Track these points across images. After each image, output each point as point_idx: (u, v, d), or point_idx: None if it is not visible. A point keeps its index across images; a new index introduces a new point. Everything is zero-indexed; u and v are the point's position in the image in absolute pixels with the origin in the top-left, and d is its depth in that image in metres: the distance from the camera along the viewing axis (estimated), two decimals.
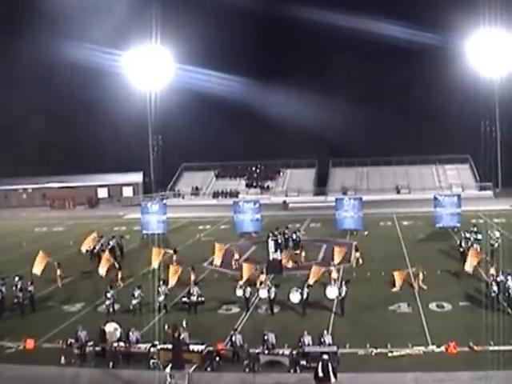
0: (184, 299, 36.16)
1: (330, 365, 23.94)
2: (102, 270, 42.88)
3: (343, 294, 34.16)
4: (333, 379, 23.74)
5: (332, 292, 34.78)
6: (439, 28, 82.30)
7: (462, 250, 44.99)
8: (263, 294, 35.45)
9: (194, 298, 35.60)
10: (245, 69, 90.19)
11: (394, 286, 37.42)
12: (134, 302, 35.34)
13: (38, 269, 43.59)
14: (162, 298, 35.61)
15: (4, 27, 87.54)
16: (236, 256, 46.86)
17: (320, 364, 24.06)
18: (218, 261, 45.82)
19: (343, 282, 35.23)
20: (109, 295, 35.78)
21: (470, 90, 79.64)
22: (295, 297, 34.47)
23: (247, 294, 35.77)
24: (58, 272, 43.18)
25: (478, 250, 42.04)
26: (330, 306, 34.76)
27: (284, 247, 49.59)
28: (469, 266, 39.43)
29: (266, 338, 27.92)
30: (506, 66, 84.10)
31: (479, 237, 46.66)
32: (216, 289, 39.82)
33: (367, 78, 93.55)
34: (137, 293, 35.62)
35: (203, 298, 35.89)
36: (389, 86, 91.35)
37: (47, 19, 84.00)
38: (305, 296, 34.26)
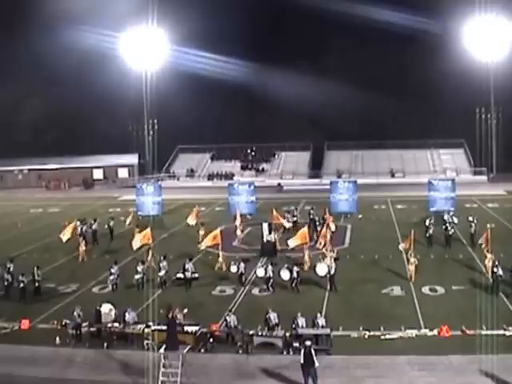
0: (179, 275, 37.21)
1: (312, 350, 23.96)
2: (136, 243, 41.82)
3: (333, 271, 35.21)
4: (316, 363, 23.79)
5: (322, 269, 35.88)
6: (436, 13, 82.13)
7: (450, 233, 45.88)
8: (260, 272, 36.68)
9: (188, 274, 36.60)
10: (241, 51, 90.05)
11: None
12: (137, 276, 36.50)
13: (65, 236, 45.17)
14: (162, 272, 36.83)
15: None
16: (239, 232, 48.73)
17: (303, 351, 24.10)
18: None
19: (332, 259, 36.18)
20: (113, 271, 36.89)
21: (465, 75, 79.59)
22: (285, 274, 35.61)
23: (242, 270, 37.10)
24: (83, 248, 44.47)
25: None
26: (324, 289, 35.12)
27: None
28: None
29: (268, 316, 28.26)
30: (501, 51, 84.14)
31: (455, 220, 49.13)
32: (211, 270, 40.22)
33: (363, 62, 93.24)
34: (140, 268, 36.71)
35: (197, 274, 37.13)
36: (385, 70, 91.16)
37: (43, 2, 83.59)
38: (295, 274, 35.26)
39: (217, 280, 38.04)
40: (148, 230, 42.03)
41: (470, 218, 47.06)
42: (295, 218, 52.75)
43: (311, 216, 52.06)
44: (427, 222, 47.18)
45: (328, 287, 35.13)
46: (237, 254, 43.61)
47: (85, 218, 53.47)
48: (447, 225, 46.75)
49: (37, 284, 35.96)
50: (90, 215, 57.20)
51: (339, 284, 35.49)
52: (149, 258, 38.97)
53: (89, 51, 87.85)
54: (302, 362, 23.84)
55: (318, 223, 49.45)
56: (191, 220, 52.78)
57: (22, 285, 35.43)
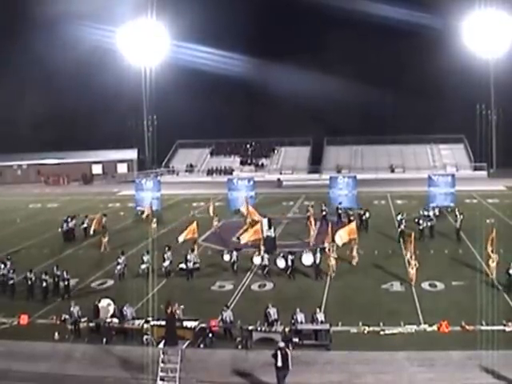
0: (181, 265, 38.19)
1: (288, 353, 23.40)
2: (182, 237, 41.90)
3: (318, 261, 36.60)
4: (290, 367, 23.20)
5: (307, 259, 37.34)
6: (436, 8, 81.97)
7: (420, 228, 45.91)
8: (257, 260, 38.22)
9: (190, 265, 37.76)
10: (240, 46, 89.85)
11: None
12: (143, 266, 37.72)
13: (92, 230, 48.32)
14: (167, 263, 37.93)
15: None
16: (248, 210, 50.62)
17: (279, 352, 23.33)
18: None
19: (318, 249, 37.41)
20: (120, 261, 37.81)
21: (466, 70, 79.48)
22: (281, 262, 37.22)
23: (234, 259, 38.45)
24: (105, 239, 45.43)
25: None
26: (323, 285, 35.17)
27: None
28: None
29: (268, 311, 28.28)
30: (502, 47, 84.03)
31: (425, 213, 49.67)
32: (209, 264, 40.28)
33: (363, 57, 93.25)
34: (146, 258, 37.92)
35: (198, 265, 38.43)
36: (385, 65, 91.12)
37: None
38: (289, 263, 36.81)
39: (216, 275, 38.12)
40: (194, 224, 42.61)
41: (457, 213, 47.05)
42: (324, 213, 52.49)
43: (339, 211, 52.83)
44: (399, 217, 47.45)
45: (328, 278, 35.96)
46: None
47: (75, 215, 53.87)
48: (420, 219, 46.95)
49: (66, 282, 34.98)
50: (89, 210, 57.20)
51: (339, 280, 35.79)
52: (195, 251, 39.83)
53: (88, 46, 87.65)
54: (279, 364, 23.11)
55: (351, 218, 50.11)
56: (211, 211, 54.27)
57: (44, 284, 34.66)
